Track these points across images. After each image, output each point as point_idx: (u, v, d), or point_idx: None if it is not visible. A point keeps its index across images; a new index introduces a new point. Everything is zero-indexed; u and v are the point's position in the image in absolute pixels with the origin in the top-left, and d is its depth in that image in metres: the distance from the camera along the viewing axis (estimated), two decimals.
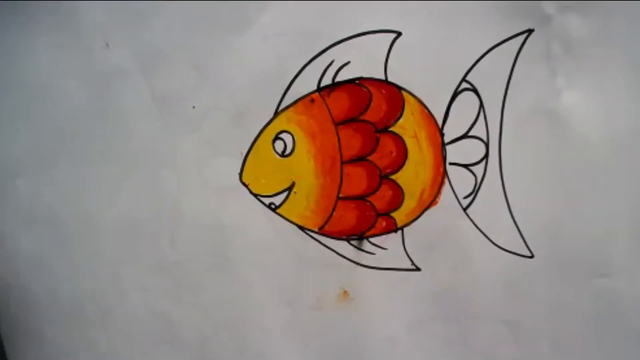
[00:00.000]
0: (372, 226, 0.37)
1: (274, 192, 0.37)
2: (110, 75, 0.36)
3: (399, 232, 0.37)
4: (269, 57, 0.35)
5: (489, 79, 0.34)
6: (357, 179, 0.36)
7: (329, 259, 0.37)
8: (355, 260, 0.37)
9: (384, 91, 0.35)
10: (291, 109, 0.36)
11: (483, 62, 0.34)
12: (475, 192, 0.36)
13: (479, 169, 0.35)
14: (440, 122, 0.35)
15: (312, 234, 0.37)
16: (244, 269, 0.38)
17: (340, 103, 0.35)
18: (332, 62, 0.35)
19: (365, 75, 0.35)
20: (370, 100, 0.35)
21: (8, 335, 0.40)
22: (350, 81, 0.35)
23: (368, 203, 0.36)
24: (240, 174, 0.37)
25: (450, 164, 0.36)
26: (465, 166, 0.36)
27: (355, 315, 0.37)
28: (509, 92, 0.34)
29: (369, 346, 0.37)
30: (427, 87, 0.35)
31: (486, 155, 0.35)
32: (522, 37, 0.34)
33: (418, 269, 0.37)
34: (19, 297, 0.40)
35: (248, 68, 0.36)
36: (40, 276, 0.39)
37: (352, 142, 0.36)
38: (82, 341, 0.40)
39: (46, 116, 0.37)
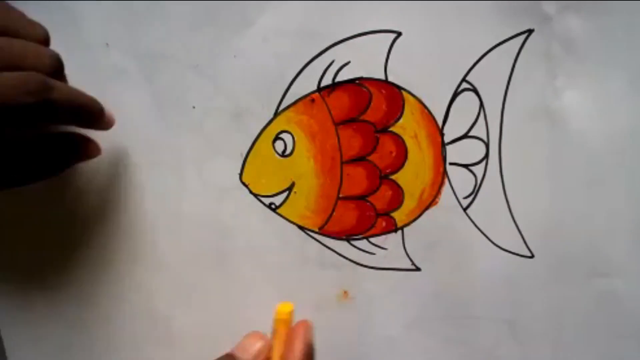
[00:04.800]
0: (372, 226, 0.37)
1: (274, 192, 0.37)
2: (110, 75, 0.36)
3: (399, 232, 0.37)
4: (269, 57, 0.35)
5: (489, 79, 0.34)
6: (357, 179, 0.36)
7: (329, 259, 0.37)
8: (355, 260, 0.37)
9: (384, 91, 0.35)
10: (291, 109, 0.36)
11: (483, 62, 0.34)
12: (475, 192, 0.36)
13: (479, 169, 0.35)
14: (440, 122, 0.35)
15: (312, 234, 0.37)
16: (244, 269, 0.38)
17: (340, 103, 0.35)
18: (332, 62, 0.35)
19: (365, 75, 0.35)
20: (370, 100, 0.35)
21: (9, 335, 0.40)
22: (350, 81, 0.35)
23: (368, 203, 0.36)
24: (240, 174, 0.37)
25: (450, 164, 0.36)
26: (465, 166, 0.36)
27: (355, 315, 0.37)
28: (509, 92, 0.35)
29: (369, 346, 0.37)
30: (427, 87, 0.35)
31: (486, 156, 0.35)
32: (522, 37, 0.34)
33: (418, 269, 0.37)
34: (19, 297, 0.39)
35: (248, 68, 0.36)
36: (40, 276, 0.39)
37: (352, 142, 0.36)
38: (82, 341, 0.40)
39: None
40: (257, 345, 0.29)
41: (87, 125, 0.36)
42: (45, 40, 0.32)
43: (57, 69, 0.32)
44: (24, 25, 0.32)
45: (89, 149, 0.36)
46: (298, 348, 0.28)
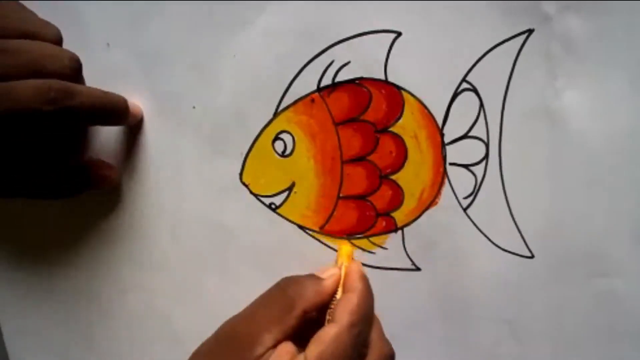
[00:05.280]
0: (373, 226, 0.37)
1: (274, 192, 0.37)
2: (111, 75, 0.36)
3: (399, 232, 0.37)
4: (269, 57, 0.35)
5: (489, 79, 0.34)
6: (357, 179, 0.36)
7: (329, 259, 0.37)
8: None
9: (383, 91, 0.35)
10: (291, 109, 0.36)
11: (483, 62, 0.34)
12: (475, 192, 0.36)
13: (479, 169, 0.35)
14: (440, 122, 0.35)
15: (313, 234, 0.37)
16: (244, 269, 0.38)
17: (340, 103, 0.35)
18: (332, 62, 0.35)
19: (365, 75, 0.35)
20: (370, 100, 0.35)
21: (10, 336, 0.40)
22: (350, 81, 0.35)
23: (368, 203, 0.36)
24: (240, 174, 0.37)
25: (450, 164, 0.36)
26: (465, 166, 0.36)
27: None
28: (509, 92, 0.34)
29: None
30: (427, 87, 0.35)
31: (486, 156, 0.35)
32: (522, 37, 0.34)
33: (418, 269, 0.37)
34: (21, 297, 0.40)
35: (248, 68, 0.36)
36: (41, 276, 0.39)
37: (352, 142, 0.36)
38: (82, 341, 0.40)
39: None
40: (332, 270, 0.32)
41: (111, 124, 0.36)
42: (58, 41, 0.32)
43: (76, 70, 0.32)
44: (39, 26, 0.32)
45: (107, 179, 0.36)
46: (355, 275, 0.32)
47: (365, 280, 0.32)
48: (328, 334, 0.29)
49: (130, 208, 0.38)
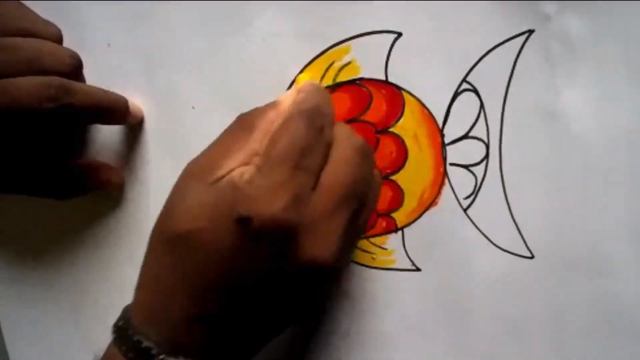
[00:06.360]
0: (373, 226, 0.37)
1: None
2: (111, 75, 0.36)
3: (399, 232, 0.37)
4: (269, 57, 0.35)
5: (489, 79, 0.34)
6: None
7: None
8: (355, 260, 0.37)
9: (384, 91, 0.35)
10: None
11: (483, 63, 0.34)
12: (475, 192, 0.36)
13: (479, 170, 0.35)
14: (440, 123, 0.35)
15: None
16: None
17: (340, 103, 0.35)
18: (333, 62, 0.35)
19: (365, 76, 0.35)
20: (370, 101, 0.35)
21: (10, 336, 0.40)
22: (351, 81, 0.35)
23: None
24: None
25: (451, 164, 0.36)
26: (466, 167, 0.36)
27: (354, 316, 0.37)
28: (509, 92, 0.35)
29: (369, 346, 0.37)
30: (428, 88, 0.35)
31: (486, 156, 0.35)
32: (522, 37, 0.34)
33: (418, 269, 0.37)
34: (21, 297, 0.40)
35: (248, 68, 0.36)
36: (41, 275, 0.39)
37: None
38: (82, 341, 0.40)
39: None
40: (288, 92, 0.30)
41: (111, 123, 0.36)
42: (59, 40, 0.32)
43: (76, 68, 0.32)
44: (39, 25, 0.32)
45: (109, 184, 0.36)
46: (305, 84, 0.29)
47: (316, 84, 0.29)
48: (275, 126, 0.27)
49: (131, 208, 0.38)
